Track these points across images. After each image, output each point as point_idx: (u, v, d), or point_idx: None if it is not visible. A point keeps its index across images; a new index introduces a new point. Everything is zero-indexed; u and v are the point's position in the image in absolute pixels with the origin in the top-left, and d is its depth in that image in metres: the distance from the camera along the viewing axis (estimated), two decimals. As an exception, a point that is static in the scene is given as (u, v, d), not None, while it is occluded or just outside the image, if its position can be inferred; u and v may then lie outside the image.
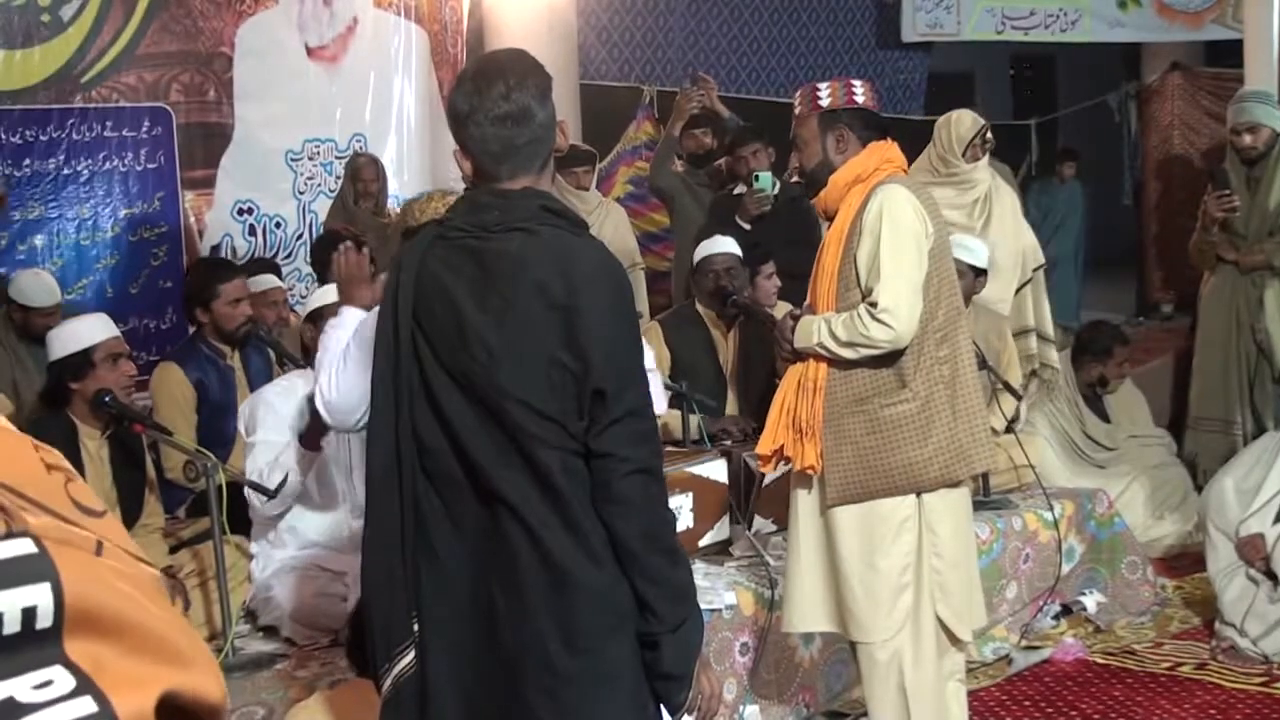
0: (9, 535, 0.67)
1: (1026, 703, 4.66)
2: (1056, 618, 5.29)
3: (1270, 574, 4.84)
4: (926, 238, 3.54)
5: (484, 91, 2.55)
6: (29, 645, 0.65)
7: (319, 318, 4.23)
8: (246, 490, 4.03)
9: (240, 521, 4.21)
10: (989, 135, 6.24)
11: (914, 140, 8.18)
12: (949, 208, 6.09)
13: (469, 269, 2.50)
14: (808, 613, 3.73)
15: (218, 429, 4.99)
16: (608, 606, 2.45)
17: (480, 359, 2.45)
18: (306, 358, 4.36)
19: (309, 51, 8.03)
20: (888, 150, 3.68)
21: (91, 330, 4.33)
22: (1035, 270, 6.22)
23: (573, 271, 2.46)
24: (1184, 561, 5.97)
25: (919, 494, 3.54)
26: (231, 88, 7.64)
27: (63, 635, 0.66)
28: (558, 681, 2.43)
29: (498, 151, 2.55)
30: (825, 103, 3.66)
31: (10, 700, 0.63)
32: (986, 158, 6.25)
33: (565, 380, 2.42)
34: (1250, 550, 4.85)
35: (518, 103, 2.52)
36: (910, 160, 7.62)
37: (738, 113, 7.98)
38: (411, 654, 2.51)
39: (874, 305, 3.44)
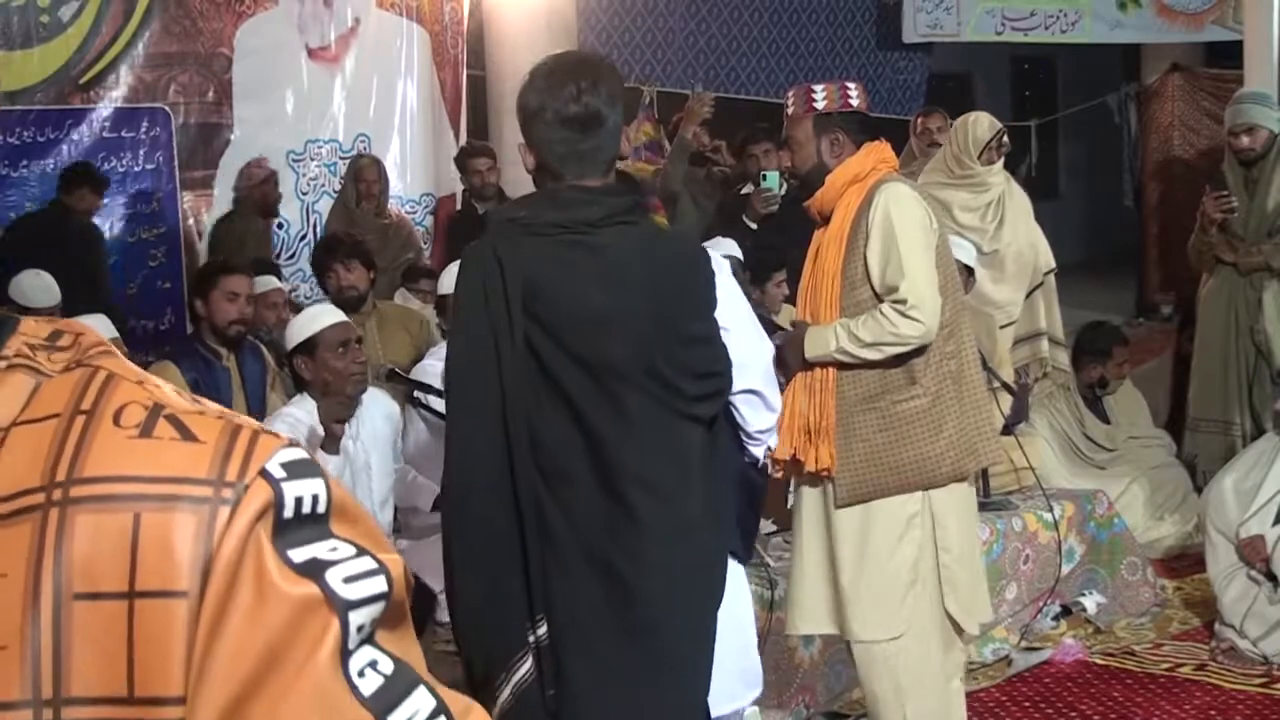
0: (291, 444, 0.87)
1: (1026, 704, 4.66)
2: (1056, 618, 5.29)
3: (1271, 575, 4.84)
4: (933, 233, 3.55)
5: (555, 91, 2.62)
6: (316, 523, 0.85)
7: (313, 347, 4.14)
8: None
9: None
10: (1005, 138, 6.24)
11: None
12: (963, 210, 6.10)
13: (587, 261, 2.57)
14: (810, 614, 3.73)
15: (210, 430, 4.98)
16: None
17: (621, 344, 2.53)
18: (302, 388, 4.24)
19: (310, 52, 8.03)
20: (882, 151, 3.69)
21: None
22: (1046, 274, 6.23)
23: (672, 265, 2.65)
24: (1184, 562, 5.96)
25: (928, 490, 3.55)
26: (231, 88, 7.65)
27: (330, 520, 0.86)
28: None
29: (563, 153, 2.62)
30: (821, 105, 3.65)
31: (315, 559, 0.83)
32: (1001, 161, 6.26)
33: (696, 356, 2.59)
34: (1251, 552, 4.85)
35: (588, 106, 2.58)
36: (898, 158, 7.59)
37: (738, 113, 7.98)
38: (529, 662, 2.51)
39: (901, 302, 3.44)
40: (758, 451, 3.03)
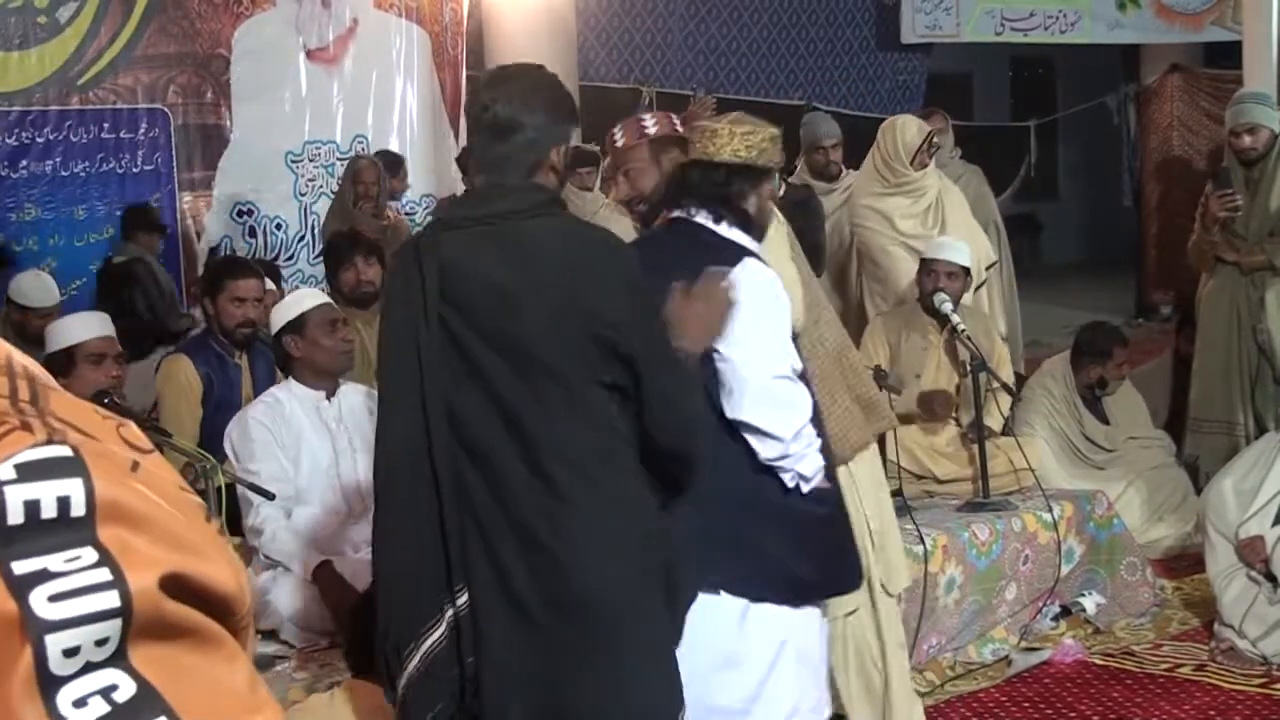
0: (50, 443, 0.80)
1: (1025, 704, 4.65)
2: (1056, 619, 5.28)
3: (1270, 576, 4.84)
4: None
5: (473, 100, 2.85)
6: (65, 529, 0.78)
7: (302, 326, 4.21)
8: (243, 509, 4.05)
9: (239, 522, 4.20)
10: (935, 140, 6.24)
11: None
12: (904, 217, 6.10)
13: (498, 247, 2.67)
14: None
15: (220, 426, 4.97)
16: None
17: (529, 327, 2.60)
18: (288, 367, 4.31)
19: (308, 53, 8.03)
20: None
21: (77, 329, 4.30)
22: (988, 269, 6.23)
23: (588, 248, 2.72)
24: (1183, 563, 5.96)
25: (845, 464, 3.67)
26: (229, 89, 7.65)
27: (95, 523, 0.79)
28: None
29: (480, 157, 2.83)
30: (652, 131, 3.66)
31: (44, 570, 0.77)
32: (933, 163, 6.25)
33: (600, 339, 2.61)
34: (1251, 553, 4.85)
35: (498, 115, 2.72)
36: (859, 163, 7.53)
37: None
38: (441, 630, 2.60)
39: None
40: (785, 478, 3.09)
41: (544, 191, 2.75)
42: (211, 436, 4.89)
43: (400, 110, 8.48)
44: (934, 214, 6.13)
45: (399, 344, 2.70)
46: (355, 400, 4.38)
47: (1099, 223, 13.89)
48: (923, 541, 4.81)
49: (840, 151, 6.96)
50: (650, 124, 3.70)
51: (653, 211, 3.79)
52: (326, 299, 4.41)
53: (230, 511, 3.97)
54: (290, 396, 4.24)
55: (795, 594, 3.21)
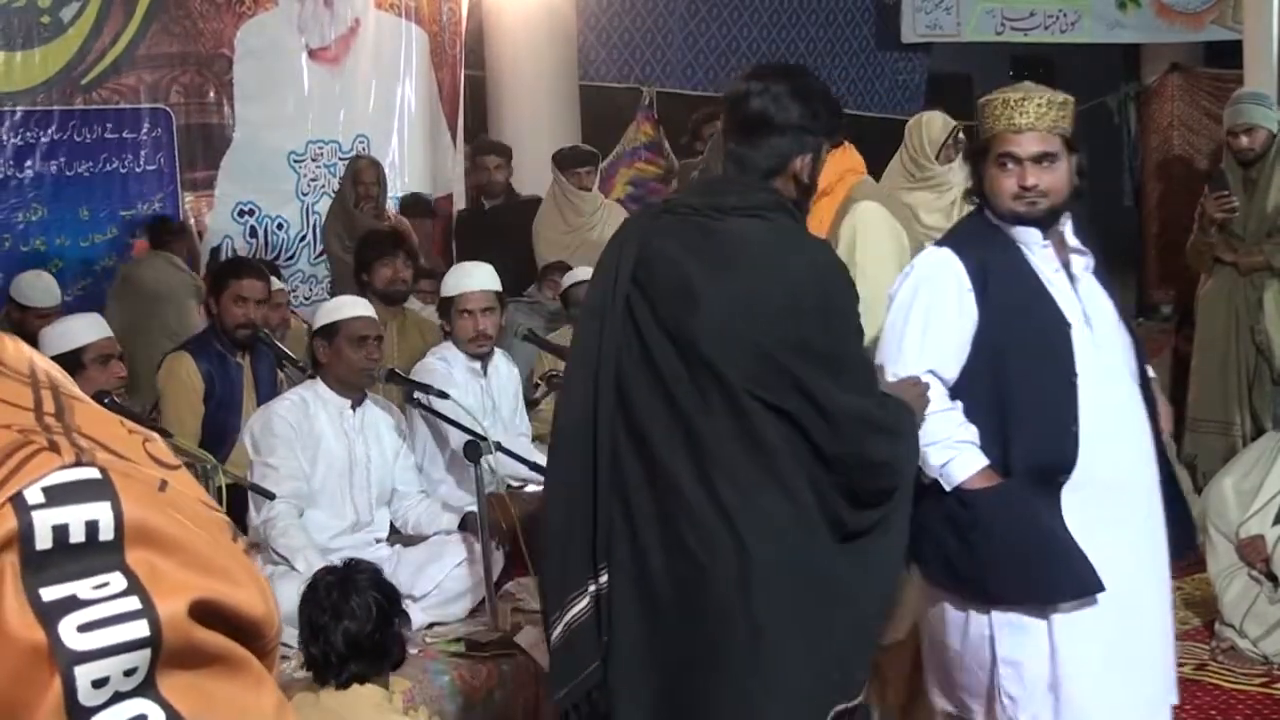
0: (78, 464, 0.79)
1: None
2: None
3: (1271, 575, 4.85)
4: (904, 250, 3.60)
5: (735, 89, 2.79)
6: (93, 554, 0.77)
7: (333, 334, 4.25)
8: (254, 503, 4.06)
9: (240, 522, 4.22)
10: (960, 135, 6.24)
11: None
12: (927, 211, 6.09)
13: (698, 240, 2.66)
14: None
15: (221, 425, 4.99)
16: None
17: (702, 324, 2.58)
18: (316, 369, 4.35)
19: (310, 53, 8.03)
20: (846, 158, 3.70)
21: (82, 330, 4.32)
22: None
23: (790, 262, 2.66)
24: (1184, 562, 5.96)
25: None
26: (231, 89, 7.65)
27: (124, 547, 0.77)
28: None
29: (730, 151, 2.78)
30: None
31: (73, 597, 0.75)
32: (959, 158, 6.26)
33: (768, 358, 2.57)
34: (1252, 552, 4.86)
35: (754, 109, 2.71)
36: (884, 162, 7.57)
37: (715, 112, 8.01)
38: (585, 602, 2.62)
39: None
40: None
41: (773, 194, 2.72)
42: (212, 434, 4.91)
43: (400, 110, 8.49)
44: (959, 209, 6.13)
45: (589, 316, 2.75)
46: (378, 414, 4.40)
47: (1099, 222, 13.83)
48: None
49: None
50: None
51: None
52: (366, 312, 4.39)
53: (231, 511, 3.98)
54: (316, 398, 4.26)
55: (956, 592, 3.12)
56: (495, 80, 9.07)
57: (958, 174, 6.20)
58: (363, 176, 7.28)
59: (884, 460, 2.67)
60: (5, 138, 6.79)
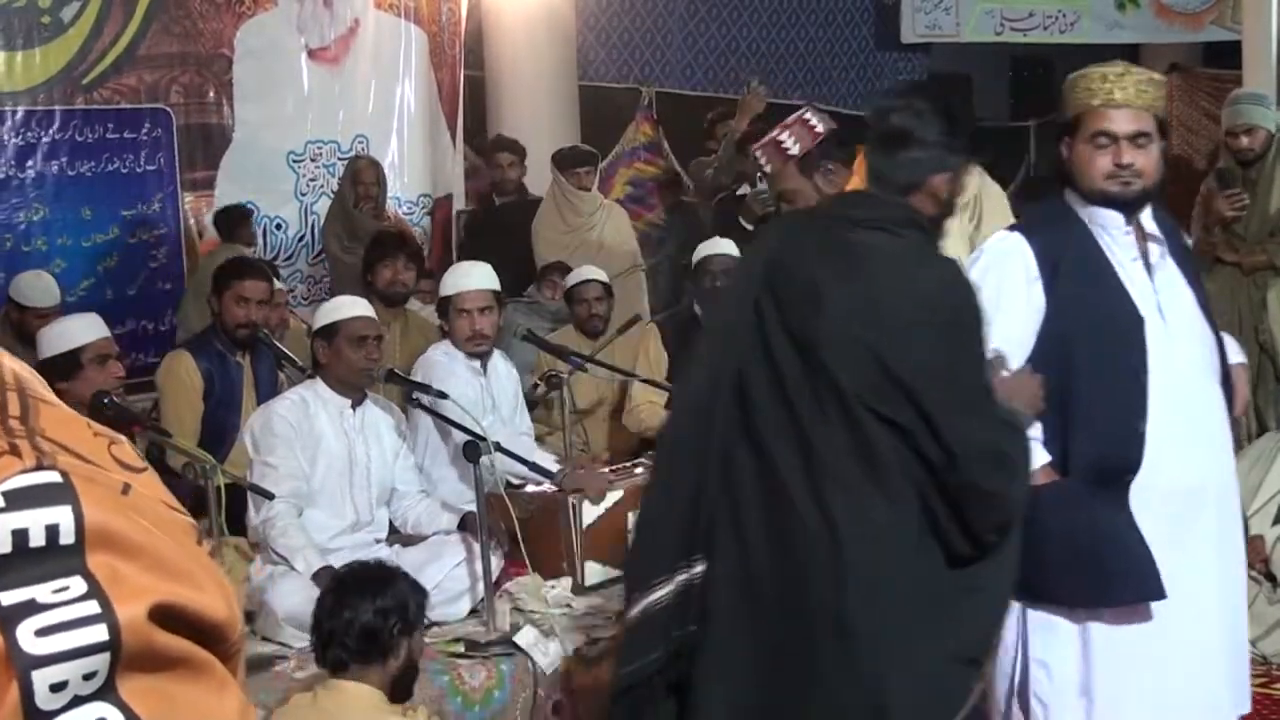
0: (38, 468, 0.79)
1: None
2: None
3: (1270, 576, 4.85)
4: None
5: (878, 106, 2.82)
6: (54, 558, 0.77)
7: (333, 334, 4.26)
8: (254, 502, 4.06)
9: (239, 522, 4.22)
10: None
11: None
12: None
13: (830, 247, 2.68)
14: None
15: (220, 424, 5.00)
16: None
17: (824, 330, 2.59)
18: (316, 370, 4.36)
19: (310, 53, 8.03)
20: None
21: (80, 331, 4.31)
22: None
23: (914, 278, 2.64)
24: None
25: None
26: (231, 89, 7.65)
27: (85, 551, 0.78)
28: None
29: (870, 165, 2.78)
30: (795, 150, 3.62)
31: (31, 601, 0.76)
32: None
33: (886, 370, 2.56)
34: (1251, 553, 4.85)
35: (894, 125, 2.73)
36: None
37: (729, 112, 8.03)
38: (670, 588, 2.64)
39: None
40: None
41: (906, 210, 2.70)
42: (212, 434, 4.91)
43: (399, 110, 8.48)
44: (972, 210, 6.14)
45: (719, 311, 2.82)
46: (378, 414, 4.41)
47: (1099, 222, 13.88)
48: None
49: (840, 151, 6.96)
50: (790, 142, 3.66)
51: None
52: (366, 312, 4.40)
53: (231, 511, 3.99)
54: (316, 398, 4.27)
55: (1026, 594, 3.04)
56: (494, 80, 9.08)
57: (972, 177, 6.21)
58: (362, 177, 7.28)
59: (1000, 493, 2.61)
60: (6, 138, 6.79)
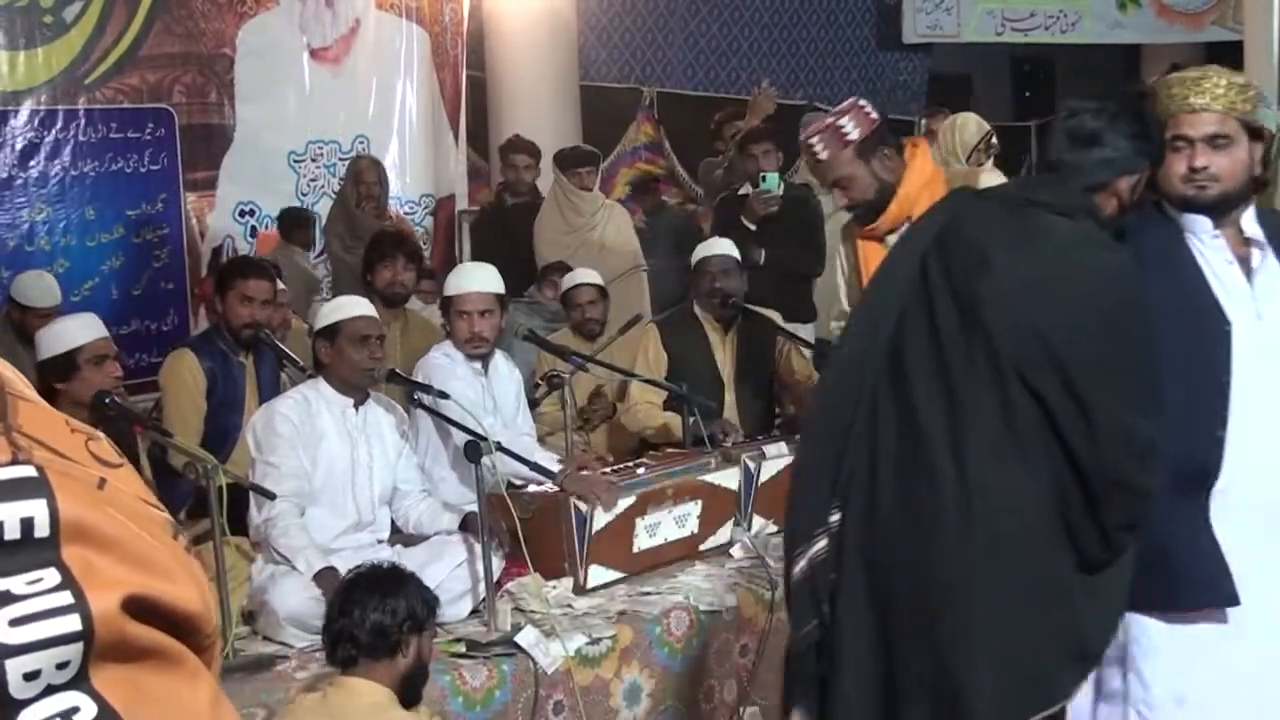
0: (14, 463, 0.81)
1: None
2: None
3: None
4: None
5: (1069, 105, 2.90)
6: (29, 550, 0.78)
7: (335, 334, 4.26)
8: (255, 502, 4.07)
9: (240, 522, 4.23)
10: (994, 140, 6.25)
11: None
12: None
13: (1003, 222, 2.75)
14: None
15: (222, 423, 5.00)
16: None
17: (988, 293, 2.64)
18: (318, 370, 4.37)
19: (311, 53, 8.05)
20: (927, 148, 3.81)
21: (76, 331, 4.31)
22: None
23: (1085, 261, 2.70)
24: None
25: None
26: (233, 89, 7.66)
27: (59, 544, 0.79)
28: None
29: (1057, 162, 2.88)
30: (855, 135, 3.69)
31: (6, 592, 0.77)
32: (991, 161, 6.26)
33: (1045, 344, 2.62)
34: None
35: (1086, 125, 2.80)
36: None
37: (737, 113, 8.04)
38: (824, 541, 2.69)
39: None
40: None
41: (1088, 202, 2.78)
42: (214, 433, 4.92)
43: (400, 110, 8.50)
44: None
45: (888, 266, 2.85)
46: (380, 414, 4.42)
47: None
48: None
49: (841, 151, 6.97)
50: (850, 127, 3.71)
51: (872, 213, 3.79)
52: (367, 312, 4.41)
53: (231, 512, 4.00)
54: (319, 397, 4.28)
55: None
56: (496, 81, 9.09)
57: (988, 176, 6.22)
58: (364, 176, 7.29)
59: (1140, 488, 2.64)
60: (9, 137, 6.81)
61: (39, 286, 6.00)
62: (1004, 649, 2.60)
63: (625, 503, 4.37)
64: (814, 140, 3.78)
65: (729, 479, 4.71)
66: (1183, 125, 2.99)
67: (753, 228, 6.32)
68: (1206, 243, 3.03)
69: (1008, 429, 2.61)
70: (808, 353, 5.70)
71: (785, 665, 2.88)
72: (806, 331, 6.09)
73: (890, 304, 2.77)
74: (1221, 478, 2.93)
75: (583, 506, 4.27)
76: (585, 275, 6.06)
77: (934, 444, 2.62)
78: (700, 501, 4.61)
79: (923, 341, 2.69)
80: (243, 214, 7.79)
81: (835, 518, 2.70)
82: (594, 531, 4.28)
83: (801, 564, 2.72)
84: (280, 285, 6.07)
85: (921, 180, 3.73)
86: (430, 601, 3.26)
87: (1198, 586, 2.94)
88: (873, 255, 3.74)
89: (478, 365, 4.83)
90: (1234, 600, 2.92)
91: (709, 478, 4.65)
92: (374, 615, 3.11)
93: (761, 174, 6.41)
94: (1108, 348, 2.64)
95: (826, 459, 2.73)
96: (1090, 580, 2.65)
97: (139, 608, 0.81)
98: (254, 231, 7.85)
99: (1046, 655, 2.65)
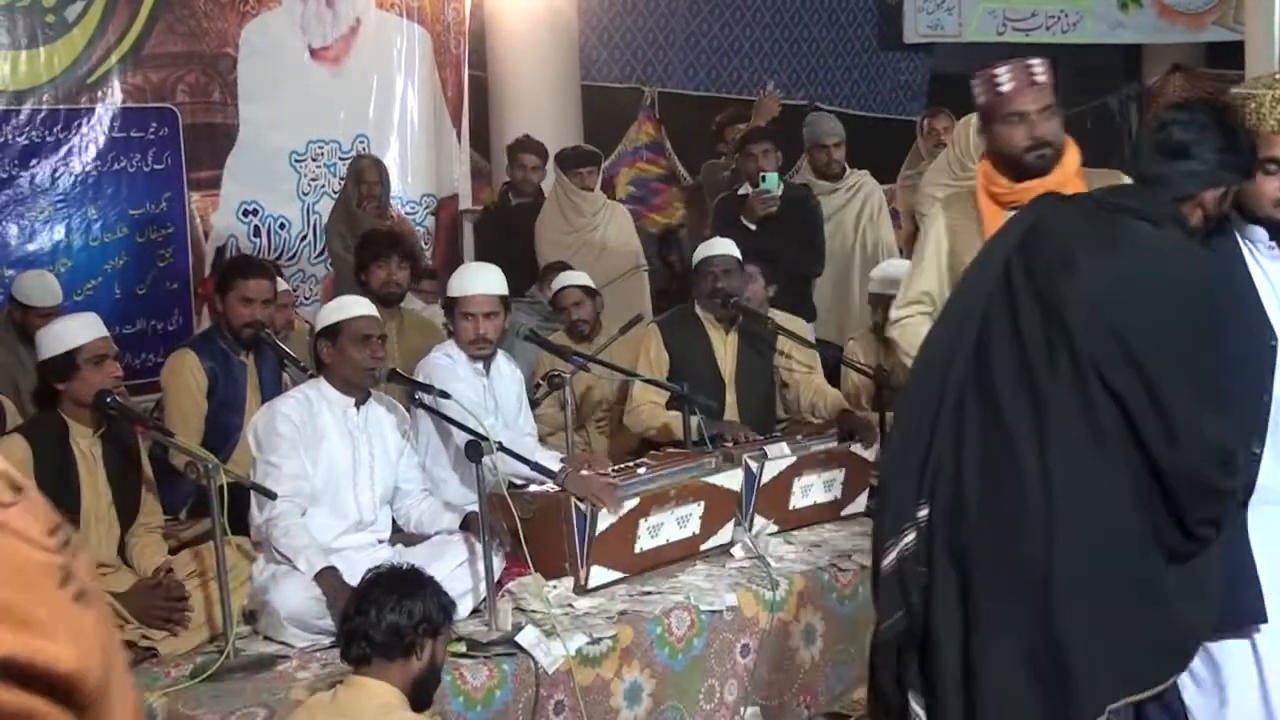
0: None
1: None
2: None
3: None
4: None
5: (1156, 117, 3.02)
6: None
7: (336, 333, 4.27)
8: (256, 501, 4.08)
9: (242, 521, 4.24)
10: None
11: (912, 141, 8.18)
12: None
13: (1085, 226, 2.78)
14: None
15: (223, 423, 5.02)
16: None
17: (1071, 293, 2.68)
18: (319, 370, 4.37)
19: (312, 52, 8.05)
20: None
21: (76, 331, 4.31)
22: None
23: (1168, 267, 2.74)
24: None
25: None
26: (236, 89, 7.66)
27: None
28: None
29: (1146, 172, 2.90)
30: (1043, 79, 3.72)
31: None
32: None
33: (1123, 342, 2.65)
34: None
35: (1175, 137, 2.83)
36: (896, 159, 7.57)
37: (739, 114, 8.04)
38: (913, 535, 2.73)
39: None
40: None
41: (1175, 211, 2.80)
42: (216, 433, 4.93)
43: (401, 110, 8.50)
44: None
45: (974, 269, 2.89)
46: (381, 413, 4.42)
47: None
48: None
49: (843, 150, 6.98)
50: (1040, 71, 3.73)
51: (1027, 168, 3.71)
52: (369, 312, 4.42)
53: (232, 512, 4.00)
54: (320, 397, 4.28)
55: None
56: (497, 80, 9.10)
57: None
58: (365, 176, 7.30)
59: (1221, 489, 2.70)
60: (11, 137, 6.81)
61: (40, 286, 6.01)
62: (1097, 643, 2.65)
63: (629, 505, 4.37)
64: (1035, 64, 3.74)
65: (732, 480, 4.72)
66: (1277, 148, 2.97)
67: (753, 228, 6.32)
68: (1263, 253, 3.05)
69: (1090, 428, 2.66)
70: (808, 352, 5.71)
71: (871, 655, 2.92)
72: (807, 331, 6.10)
73: (975, 305, 2.81)
74: (1259, 493, 2.97)
75: (583, 507, 4.28)
76: (571, 277, 6.08)
77: (1019, 442, 2.67)
78: (703, 502, 4.62)
79: (1006, 342, 2.74)
80: (246, 213, 7.79)
81: (923, 512, 2.74)
82: (598, 533, 4.29)
83: (890, 556, 2.77)
84: (284, 285, 6.09)
85: (1074, 165, 3.75)
86: (447, 606, 3.27)
87: (1232, 609, 2.93)
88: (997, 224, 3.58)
89: (480, 366, 4.84)
90: (1261, 617, 2.97)
91: (712, 479, 4.66)
92: (390, 616, 3.12)
93: (761, 174, 6.41)
94: (1188, 351, 2.68)
95: (913, 454, 2.78)
96: (1182, 573, 2.70)
97: (8, 670, 0.77)
98: (257, 231, 7.86)
99: (1138, 650, 2.69)
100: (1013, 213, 3.27)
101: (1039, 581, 2.64)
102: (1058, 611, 2.64)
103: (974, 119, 6.29)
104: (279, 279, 6.10)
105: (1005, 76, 3.67)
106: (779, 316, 5.75)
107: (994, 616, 2.68)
